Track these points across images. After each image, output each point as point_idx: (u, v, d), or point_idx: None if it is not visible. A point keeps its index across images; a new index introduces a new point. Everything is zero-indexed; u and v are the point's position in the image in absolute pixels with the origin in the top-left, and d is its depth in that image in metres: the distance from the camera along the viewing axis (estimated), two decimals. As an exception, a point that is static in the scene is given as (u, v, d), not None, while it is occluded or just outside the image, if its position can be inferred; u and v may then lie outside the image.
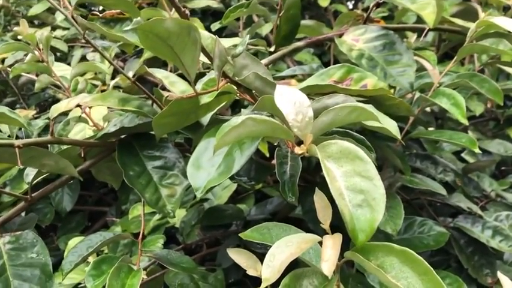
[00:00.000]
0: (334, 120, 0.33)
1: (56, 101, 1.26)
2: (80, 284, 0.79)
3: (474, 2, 0.85)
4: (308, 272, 0.36)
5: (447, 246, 0.69)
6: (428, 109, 0.88)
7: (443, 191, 0.65)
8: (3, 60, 1.14)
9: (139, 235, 0.56)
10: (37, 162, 0.50)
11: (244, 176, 0.60)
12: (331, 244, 0.32)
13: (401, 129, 0.64)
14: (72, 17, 0.53)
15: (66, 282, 0.75)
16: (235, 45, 0.44)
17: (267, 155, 0.71)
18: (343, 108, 0.33)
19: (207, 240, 0.81)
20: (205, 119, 0.53)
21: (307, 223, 0.71)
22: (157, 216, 0.83)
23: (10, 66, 1.10)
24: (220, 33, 1.01)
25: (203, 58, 0.39)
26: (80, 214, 1.11)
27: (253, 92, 0.43)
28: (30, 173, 0.54)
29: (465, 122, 0.54)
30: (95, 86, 0.89)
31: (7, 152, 0.47)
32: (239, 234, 0.42)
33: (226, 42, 0.67)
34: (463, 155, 1.01)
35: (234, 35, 1.15)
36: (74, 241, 0.84)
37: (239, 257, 0.41)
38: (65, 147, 0.58)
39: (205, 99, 0.42)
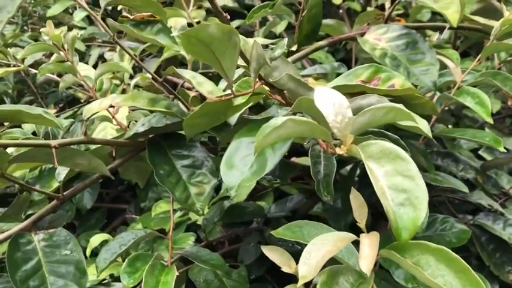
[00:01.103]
0: (371, 120, 0.34)
1: (73, 99, 1.28)
2: (104, 280, 0.81)
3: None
4: (344, 270, 0.37)
5: (468, 243, 0.69)
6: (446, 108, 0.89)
7: (465, 189, 0.66)
8: (23, 60, 1.16)
9: (169, 232, 0.57)
10: (70, 162, 0.52)
11: (269, 174, 0.60)
12: (369, 243, 0.33)
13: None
14: (103, 19, 0.54)
15: (90, 279, 0.76)
16: (266, 46, 0.45)
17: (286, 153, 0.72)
18: (379, 108, 0.34)
19: (229, 237, 0.82)
20: (233, 119, 0.54)
21: (328, 221, 0.72)
22: (178, 214, 0.85)
23: (29, 66, 1.12)
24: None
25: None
26: (99, 211, 1.12)
27: (285, 93, 0.44)
28: (62, 172, 0.56)
29: (490, 120, 0.55)
30: (117, 85, 0.90)
31: (43, 151, 0.49)
32: (271, 232, 0.43)
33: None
34: (480, 152, 1.01)
35: (248, 33, 1.16)
36: (96, 238, 0.86)
37: (273, 254, 0.42)
38: (93, 147, 0.60)
39: (239, 100, 0.43)
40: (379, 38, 0.66)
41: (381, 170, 0.30)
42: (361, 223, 0.36)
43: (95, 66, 0.96)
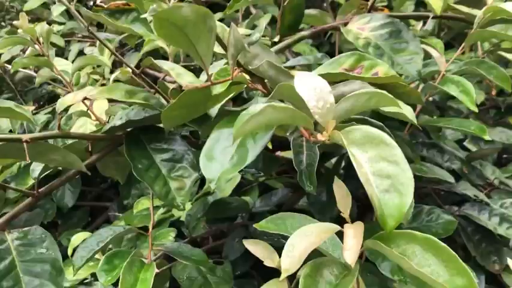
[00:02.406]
0: (354, 106, 0.33)
1: (54, 96, 1.25)
2: (85, 279, 0.79)
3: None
4: (328, 262, 0.35)
5: (454, 234, 0.69)
6: (430, 98, 0.88)
7: (451, 179, 0.65)
8: (-1, 56, 1.12)
9: (149, 229, 0.55)
10: (44, 157, 0.49)
11: (253, 167, 0.59)
12: (353, 233, 0.32)
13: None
14: (76, 9, 0.52)
15: (70, 278, 0.74)
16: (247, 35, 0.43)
17: (270, 146, 0.71)
18: (362, 94, 0.32)
19: (213, 233, 0.81)
20: (214, 111, 0.52)
21: (313, 214, 0.71)
22: (161, 210, 0.83)
23: (6, 62, 1.09)
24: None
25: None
26: (81, 210, 1.10)
27: (266, 82, 0.42)
28: (37, 168, 0.53)
29: (474, 109, 0.54)
30: (96, 80, 0.88)
31: (14, 147, 0.47)
32: (254, 225, 0.42)
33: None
34: (465, 143, 1.01)
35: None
36: (77, 237, 0.83)
37: (255, 248, 0.41)
38: (70, 141, 0.57)
39: (217, 89, 0.41)
40: (363, 28, 0.65)
41: (364, 156, 0.29)
42: (345, 213, 0.34)
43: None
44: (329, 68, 0.49)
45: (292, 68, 0.79)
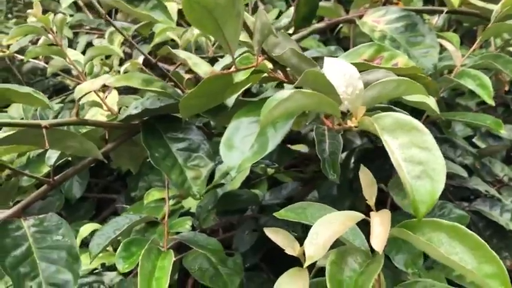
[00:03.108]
0: (380, 94, 0.33)
1: (62, 88, 1.25)
2: (95, 269, 0.79)
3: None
4: (351, 250, 0.35)
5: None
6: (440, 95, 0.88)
7: (464, 173, 0.65)
8: (8, 47, 1.12)
9: (165, 218, 0.55)
10: (62, 144, 0.49)
11: (267, 159, 0.59)
12: (380, 221, 0.32)
13: (423, 112, 0.64)
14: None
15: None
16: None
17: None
18: (389, 82, 0.32)
19: (223, 225, 0.81)
20: (230, 101, 0.52)
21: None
22: (172, 202, 0.83)
23: (15, 53, 1.09)
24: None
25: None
26: (89, 201, 1.10)
27: (288, 70, 0.42)
28: (53, 155, 0.53)
29: (491, 102, 0.54)
30: (106, 72, 0.87)
31: (33, 133, 0.46)
32: (274, 214, 0.42)
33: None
34: (474, 140, 1.01)
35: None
36: (85, 228, 0.83)
37: (276, 236, 0.41)
38: (86, 129, 0.57)
39: (239, 76, 0.41)
40: (378, 20, 0.65)
41: (395, 142, 0.29)
42: (371, 201, 0.34)
43: (83, 54, 0.93)
44: (349, 59, 0.48)
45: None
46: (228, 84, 0.43)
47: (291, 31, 0.70)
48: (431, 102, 0.40)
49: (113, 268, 0.77)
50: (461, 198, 0.78)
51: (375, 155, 0.67)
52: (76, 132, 0.52)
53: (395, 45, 0.61)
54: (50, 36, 0.71)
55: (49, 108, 0.50)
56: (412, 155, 0.28)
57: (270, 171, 0.91)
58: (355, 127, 0.31)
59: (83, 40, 1.21)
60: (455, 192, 0.79)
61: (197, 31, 0.81)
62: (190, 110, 0.51)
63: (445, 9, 0.71)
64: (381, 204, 0.72)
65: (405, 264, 0.56)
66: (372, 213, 0.33)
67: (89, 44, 1.17)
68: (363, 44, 0.50)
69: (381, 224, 0.32)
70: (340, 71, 0.31)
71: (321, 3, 0.72)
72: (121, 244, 0.49)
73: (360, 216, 0.35)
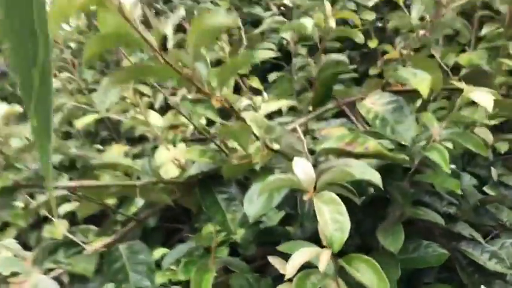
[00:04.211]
0: (332, 178, 0.57)
1: (143, 137, 1.58)
2: (163, 284, 1.07)
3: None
4: (314, 271, 0.60)
5: (452, 265, 0.89)
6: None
7: (442, 221, 0.86)
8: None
9: (212, 246, 0.82)
10: (147, 195, 0.78)
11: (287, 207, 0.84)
12: (325, 253, 0.56)
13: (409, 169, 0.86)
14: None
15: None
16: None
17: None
18: (335, 170, 0.57)
19: (261, 253, 1.06)
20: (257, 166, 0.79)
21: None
22: (223, 234, 1.10)
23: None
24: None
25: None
26: (161, 230, 1.40)
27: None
28: (140, 201, 0.82)
29: (448, 170, 0.75)
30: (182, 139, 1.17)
31: (130, 188, 0.76)
32: (276, 247, 0.67)
33: (272, 106, 0.93)
34: (484, 188, 1.19)
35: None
36: (158, 252, 1.12)
37: (275, 261, 0.66)
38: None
39: (256, 160, 0.67)
40: (374, 103, 0.89)
41: (327, 209, 0.53)
42: (324, 241, 0.58)
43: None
44: (336, 141, 0.73)
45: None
46: (249, 164, 0.70)
47: (310, 108, 0.95)
48: (376, 178, 0.63)
49: (177, 283, 1.05)
50: (453, 239, 0.98)
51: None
52: (155, 187, 0.81)
53: (384, 123, 0.84)
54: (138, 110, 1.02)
55: (138, 171, 0.78)
56: (334, 217, 0.52)
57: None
58: (310, 199, 0.56)
59: (160, 97, 1.53)
60: (447, 234, 0.99)
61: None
62: (230, 173, 0.78)
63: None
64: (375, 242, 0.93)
65: None
66: (322, 250, 0.58)
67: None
68: (346, 132, 0.74)
69: (326, 254, 0.56)
70: (301, 167, 0.56)
71: (335, 87, 0.97)
72: (182, 262, 0.76)
73: (319, 250, 0.59)
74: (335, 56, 0.89)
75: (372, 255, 0.75)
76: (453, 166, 1.11)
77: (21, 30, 0.17)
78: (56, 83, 1.38)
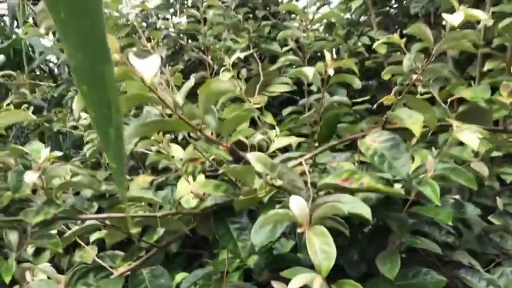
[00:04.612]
0: (325, 213, 0.67)
1: (165, 169, 1.70)
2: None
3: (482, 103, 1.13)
4: (311, 294, 0.68)
5: (453, 291, 0.96)
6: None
7: (438, 250, 0.93)
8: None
9: (225, 271, 0.92)
10: (167, 225, 0.89)
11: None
12: (318, 278, 0.65)
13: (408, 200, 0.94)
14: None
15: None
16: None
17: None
18: (327, 206, 0.66)
19: (273, 278, 1.15)
20: (265, 199, 0.88)
21: (345, 268, 1.03)
22: (238, 260, 1.19)
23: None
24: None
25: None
26: (181, 255, 1.50)
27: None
28: (161, 231, 0.93)
29: (438, 203, 0.83)
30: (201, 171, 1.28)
31: (152, 219, 0.86)
32: (280, 273, 0.76)
33: (282, 142, 1.03)
34: (489, 218, 1.25)
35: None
36: (179, 276, 1.22)
37: (278, 285, 0.75)
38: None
39: (261, 195, 0.77)
40: (374, 140, 0.98)
41: (317, 241, 0.62)
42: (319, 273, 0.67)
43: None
44: (332, 178, 0.82)
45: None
46: (256, 198, 0.79)
47: (316, 144, 1.05)
48: (366, 212, 0.72)
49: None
50: (453, 267, 1.05)
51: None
52: (176, 219, 0.91)
53: (381, 160, 0.93)
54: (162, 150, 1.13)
55: (158, 202, 0.89)
56: (322, 247, 0.61)
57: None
58: (304, 232, 0.65)
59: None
60: (448, 262, 1.06)
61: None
62: (241, 206, 0.87)
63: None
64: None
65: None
66: (316, 276, 0.66)
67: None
68: (344, 168, 0.83)
69: (319, 278, 0.64)
70: (297, 203, 0.66)
71: (339, 125, 1.07)
72: (197, 286, 0.86)
73: (314, 275, 0.68)
74: (337, 98, 0.99)
75: (374, 281, 0.83)
76: (457, 196, 1.18)
77: (100, 101, 0.26)
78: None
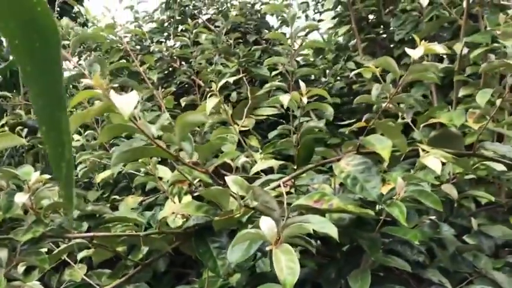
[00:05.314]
0: (293, 232, 0.73)
1: (155, 188, 1.76)
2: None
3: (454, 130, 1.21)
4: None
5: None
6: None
7: (408, 268, 0.99)
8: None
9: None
10: (150, 244, 0.95)
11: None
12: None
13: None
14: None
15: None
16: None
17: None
18: (295, 226, 0.73)
19: (255, 296, 1.20)
20: (243, 219, 0.95)
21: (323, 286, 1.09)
22: (221, 279, 1.25)
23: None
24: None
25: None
26: (170, 274, 1.56)
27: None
28: (145, 249, 0.99)
29: (405, 224, 0.90)
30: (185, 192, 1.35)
31: (135, 239, 0.92)
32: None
33: (263, 164, 1.09)
34: (464, 237, 1.31)
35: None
36: (166, 294, 1.28)
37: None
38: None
39: (237, 215, 0.84)
40: (348, 163, 1.05)
41: (284, 258, 0.69)
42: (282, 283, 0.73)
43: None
44: (307, 199, 0.89)
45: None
46: (232, 219, 0.86)
47: (295, 167, 1.12)
48: (333, 232, 0.78)
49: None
50: (424, 284, 1.11)
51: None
52: (157, 238, 0.97)
53: (354, 182, 1.00)
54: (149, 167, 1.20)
55: (143, 224, 0.95)
56: (288, 264, 0.67)
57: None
58: (272, 250, 0.71)
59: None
60: (419, 280, 1.12)
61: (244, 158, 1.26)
62: (220, 226, 0.94)
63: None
64: None
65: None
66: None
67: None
68: (314, 190, 0.90)
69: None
70: (267, 224, 0.72)
71: (316, 149, 1.14)
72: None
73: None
74: (313, 124, 1.06)
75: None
76: (433, 217, 1.25)
77: (55, 141, 0.34)
78: (81, 141, 1.58)
